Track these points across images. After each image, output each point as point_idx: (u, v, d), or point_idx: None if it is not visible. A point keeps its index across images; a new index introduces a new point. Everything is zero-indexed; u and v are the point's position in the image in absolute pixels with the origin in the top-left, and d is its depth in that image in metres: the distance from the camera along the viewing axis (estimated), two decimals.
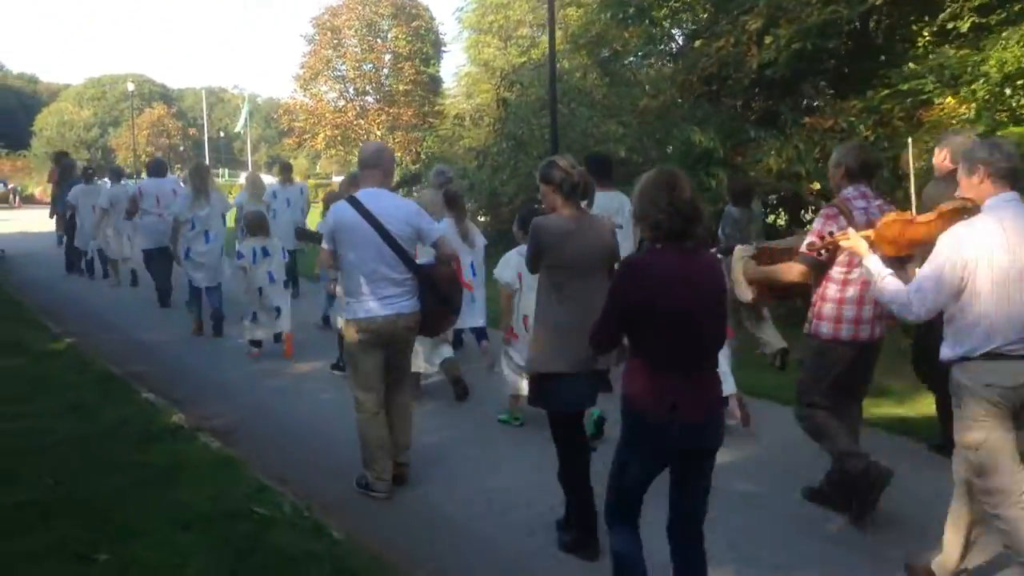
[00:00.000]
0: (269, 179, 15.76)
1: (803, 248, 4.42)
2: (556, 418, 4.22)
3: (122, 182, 14.97)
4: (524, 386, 5.54)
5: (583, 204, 4.22)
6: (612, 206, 6.58)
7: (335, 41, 29.24)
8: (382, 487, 4.95)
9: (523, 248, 5.10)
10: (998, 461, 3.46)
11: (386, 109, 29.23)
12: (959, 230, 3.46)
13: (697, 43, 12.39)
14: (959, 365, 3.49)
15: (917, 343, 5.58)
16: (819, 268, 4.41)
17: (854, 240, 3.92)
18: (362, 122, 29.56)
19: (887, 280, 3.66)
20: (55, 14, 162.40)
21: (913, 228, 3.96)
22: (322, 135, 29.86)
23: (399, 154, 30.00)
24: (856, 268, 4.29)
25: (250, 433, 6.16)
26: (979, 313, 3.38)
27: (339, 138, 29.92)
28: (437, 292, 4.98)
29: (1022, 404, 3.45)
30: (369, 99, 30.09)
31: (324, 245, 5.06)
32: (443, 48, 31.68)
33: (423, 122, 30.48)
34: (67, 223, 14.51)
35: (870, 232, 4.02)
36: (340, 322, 6.01)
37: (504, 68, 18.83)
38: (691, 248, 3.16)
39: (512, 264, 5.82)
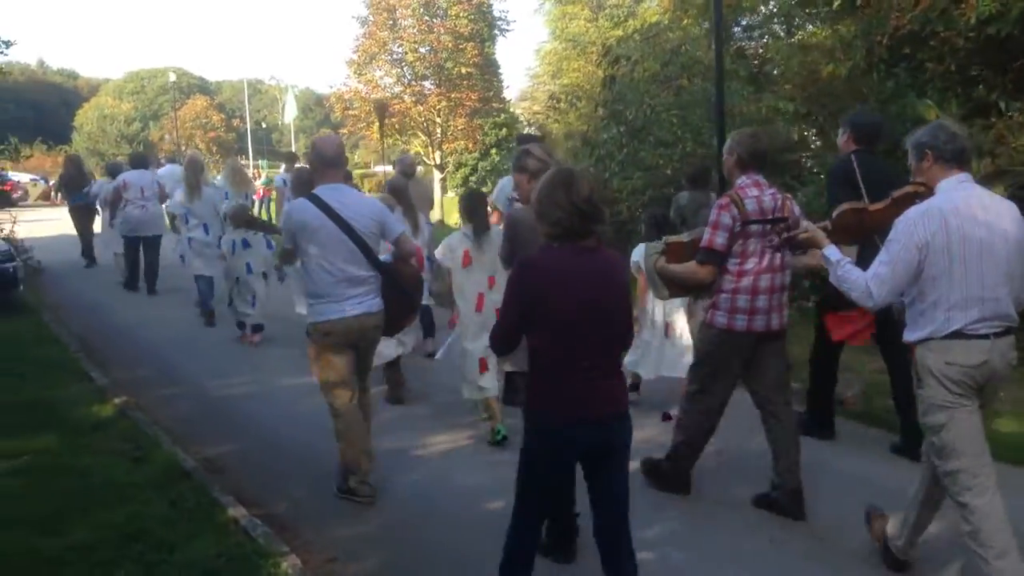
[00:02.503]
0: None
1: (702, 244, 4.45)
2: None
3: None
4: (485, 382, 5.65)
5: None
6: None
7: (391, 22, 26.92)
8: (367, 491, 4.86)
9: (466, 230, 5.66)
10: (961, 444, 3.47)
11: (447, 94, 26.81)
12: (912, 214, 3.49)
13: None
14: (923, 345, 3.52)
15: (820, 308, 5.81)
16: (719, 261, 4.42)
17: (812, 232, 4.01)
18: (421, 108, 27.17)
19: (846, 268, 3.70)
20: (92, 9, 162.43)
21: (868, 216, 4.11)
22: (378, 123, 27.55)
23: (461, 143, 27.73)
24: (750, 258, 4.38)
25: None
26: (938, 295, 3.44)
27: (396, 126, 27.58)
28: (400, 290, 4.91)
29: (985, 382, 3.47)
30: (426, 84, 27.74)
31: (285, 244, 4.91)
32: (505, 27, 29.26)
33: (487, 107, 28.16)
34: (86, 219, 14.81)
35: (827, 223, 4.18)
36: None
37: (597, 42, 16.43)
38: (590, 246, 3.13)
39: (454, 247, 5.69)
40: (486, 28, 28.94)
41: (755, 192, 4.39)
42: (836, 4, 11.40)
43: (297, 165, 12.39)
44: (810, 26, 12.18)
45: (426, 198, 9.21)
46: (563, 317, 3.06)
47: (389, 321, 4.95)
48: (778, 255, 4.44)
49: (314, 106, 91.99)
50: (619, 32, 16.26)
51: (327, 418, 4.90)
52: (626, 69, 13.83)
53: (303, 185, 6.85)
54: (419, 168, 39.98)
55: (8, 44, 12.84)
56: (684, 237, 4.80)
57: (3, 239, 12.37)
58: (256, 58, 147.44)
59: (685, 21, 15.36)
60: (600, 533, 3.29)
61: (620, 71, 13.96)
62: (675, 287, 4.82)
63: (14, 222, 15.50)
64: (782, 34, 14.86)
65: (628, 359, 6.20)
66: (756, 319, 4.43)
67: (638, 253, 5.79)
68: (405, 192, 7.35)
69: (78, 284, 13.54)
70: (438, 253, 5.85)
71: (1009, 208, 3.53)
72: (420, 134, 28.05)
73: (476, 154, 30.01)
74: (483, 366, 5.66)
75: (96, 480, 5.00)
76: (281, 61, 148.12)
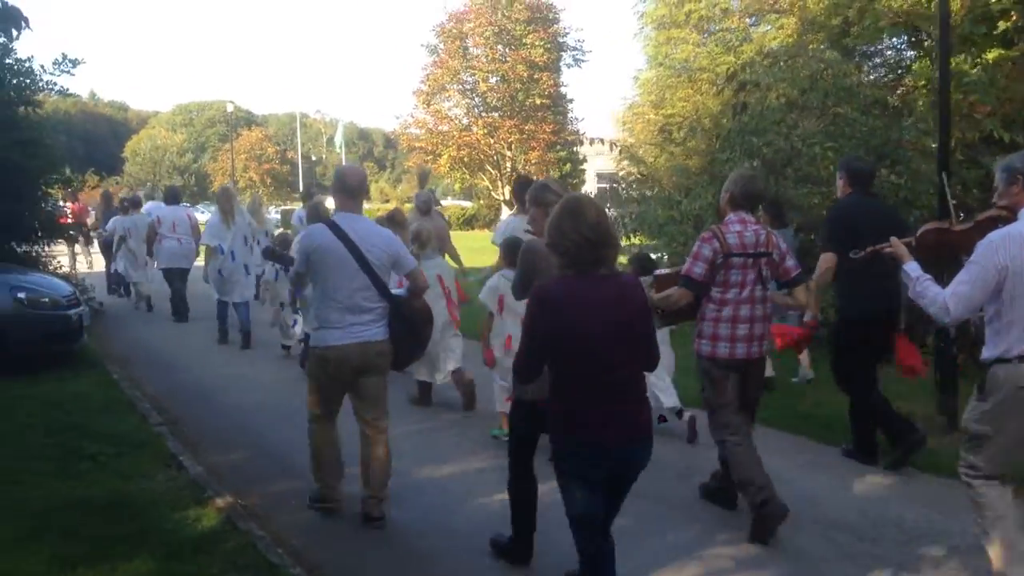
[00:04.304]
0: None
1: (682, 271, 4.75)
2: (521, 440, 4.22)
3: (143, 210, 14.37)
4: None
5: None
6: None
7: (462, 50, 25.60)
8: (333, 496, 5.01)
9: (506, 272, 5.97)
10: (993, 454, 3.73)
11: (520, 126, 25.37)
12: (995, 237, 3.65)
13: None
14: (996, 364, 3.67)
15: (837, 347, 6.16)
16: (696, 289, 4.67)
17: (896, 247, 4.14)
18: (491, 140, 25.76)
19: (924, 284, 3.86)
20: (142, 43, 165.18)
21: (949, 235, 4.23)
22: (446, 156, 26.11)
23: (536, 177, 26.37)
24: (731, 288, 4.65)
25: None
26: (1014, 315, 3.59)
27: (464, 159, 26.16)
28: (409, 324, 4.89)
29: None
30: (495, 115, 26.32)
31: (298, 267, 4.99)
32: (580, 57, 27.84)
33: (560, 139, 26.77)
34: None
35: (911, 239, 4.24)
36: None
37: (709, 68, 14.93)
38: (603, 275, 3.18)
39: (496, 289, 6.14)
40: (554, 59, 27.60)
41: (738, 228, 4.70)
42: (1002, 27, 9.91)
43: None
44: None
45: (441, 235, 9.31)
46: (581, 345, 3.12)
47: (397, 355, 4.95)
48: (759, 287, 4.70)
49: (357, 140, 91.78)
50: (732, 58, 14.71)
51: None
52: (756, 97, 12.31)
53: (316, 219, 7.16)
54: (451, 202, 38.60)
55: (75, 63, 11.52)
56: (672, 271, 5.13)
57: (65, 279, 10.99)
58: (300, 92, 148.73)
59: (812, 45, 13.88)
60: None
61: (748, 98, 12.44)
62: (664, 317, 4.95)
63: (74, 257, 14.49)
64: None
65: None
66: (737, 346, 4.70)
67: None
68: (404, 225, 8.14)
69: (141, 329, 12.21)
70: (482, 295, 6.33)
71: None
72: (489, 168, 26.65)
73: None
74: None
75: None
76: (325, 95, 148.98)
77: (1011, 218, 3.80)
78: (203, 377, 8.97)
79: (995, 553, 3.81)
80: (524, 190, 6.34)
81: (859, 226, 5.32)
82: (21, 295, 8.60)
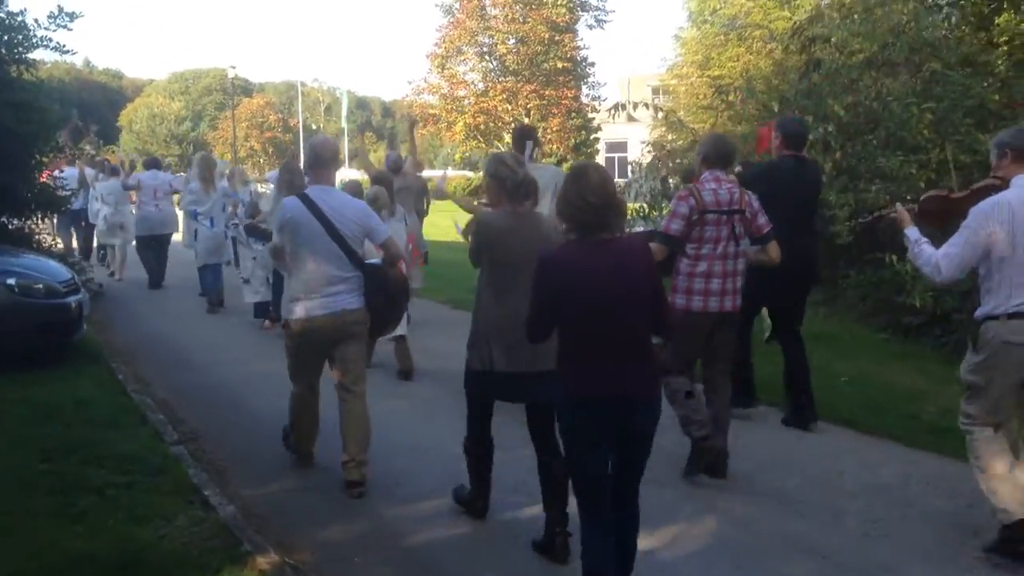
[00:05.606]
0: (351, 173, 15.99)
1: (661, 229, 5.05)
2: (475, 405, 4.33)
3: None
4: None
5: (528, 203, 4.17)
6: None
7: (480, 9, 24.10)
8: (308, 461, 5.28)
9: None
10: (985, 404, 4.04)
11: (539, 91, 23.96)
12: (985, 205, 3.96)
13: None
14: (986, 323, 3.98)
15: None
16: (672, 245, 4.86)
17: (900, 213, 4.39)
18: (509, 107, 24.36)
19: (921, 247, 4.15)
20: (136, 9, 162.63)
21: (949, 203, 4.54)
22: (461, 123, 24.69)
23: (554, 146, 25.00)
24: (706, 244, 4.84)
25: None
26: (1002, 276, 3.90)
27: (480, 127, 24.73)
28: (385, 293, 4.99)
29: None
30: (513, 80, 24.86)
31: (275, 240, 5.15)
32: (603, 18, 26.34)
33: (582, 106, 25.37)
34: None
35: (914, 206, 4.57)
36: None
37: (765, 24, 13.66)
38: (606, 239, 3.25)
39: None
40: (575, 20, 26.06)
41: (713, 186, 4.88)
42: None
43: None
44: None
45: (411, 192, 9.28)
46: (582, 306, 3.23)
47: (373, 323, 5.03)
48: (732, 243, 4.87)
49: (356, 109, 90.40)
50: (787, 13, 13.44)
51: None
52: (828, 53, 11.08)
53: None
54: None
55: (73, 16, 10.23)
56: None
57: (62, 260, 9.80)
58: (296, 60, 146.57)
59: None
60: (613, 493, 3.41)
61: (819, 54, 11.19)
62: None
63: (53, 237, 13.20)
64: None
65: None
66: (711, 300, 4.89)
67: None
68: (388, 184, 8.03)
69: (145, 314, 11.04)
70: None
71: None
72: (507, 136, 25.30)
73: (554, 159, 27.39)
74: None
75: None
76: (322, 63, 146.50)
77: (1004, 187, 4.05)
78: (223, 374, 7.78)
79: (997, 491, 4.02)
80: (523, 139, 6.82)
81: (786, 184, 5.79)
82: (11, 281, 7.46)
